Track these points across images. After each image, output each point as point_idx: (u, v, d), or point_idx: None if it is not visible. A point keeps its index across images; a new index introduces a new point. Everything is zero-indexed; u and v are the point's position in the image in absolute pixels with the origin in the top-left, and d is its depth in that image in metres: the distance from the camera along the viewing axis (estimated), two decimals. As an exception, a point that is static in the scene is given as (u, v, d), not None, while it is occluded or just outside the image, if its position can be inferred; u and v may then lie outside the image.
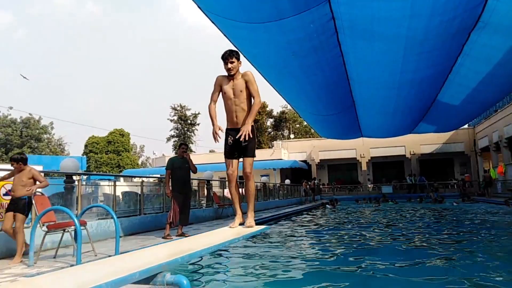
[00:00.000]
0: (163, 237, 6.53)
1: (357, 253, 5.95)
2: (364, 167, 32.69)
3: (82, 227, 4.62)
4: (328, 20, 5.29)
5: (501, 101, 19.58)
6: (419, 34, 5.48)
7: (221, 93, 3.55)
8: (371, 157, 32.18)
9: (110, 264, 1.91)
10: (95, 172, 36.14)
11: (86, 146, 50.48)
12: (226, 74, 3.50)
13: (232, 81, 3.44)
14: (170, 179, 6.87)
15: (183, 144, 7.39)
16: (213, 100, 3.55)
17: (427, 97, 8.41)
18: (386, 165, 33.24)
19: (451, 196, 23.16)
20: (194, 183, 12.44)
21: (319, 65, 6.79)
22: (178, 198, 6.74)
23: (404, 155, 31.46)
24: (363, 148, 31.49)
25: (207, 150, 56.45)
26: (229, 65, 3.37)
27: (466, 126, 26.46)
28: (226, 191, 15.42)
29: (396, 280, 4.16)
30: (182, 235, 6.73)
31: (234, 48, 4.43)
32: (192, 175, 7.30)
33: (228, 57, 3.39)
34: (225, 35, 6.24)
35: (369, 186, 30.84)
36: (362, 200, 22.68)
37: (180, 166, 6.96)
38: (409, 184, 29.28)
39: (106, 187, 9.61)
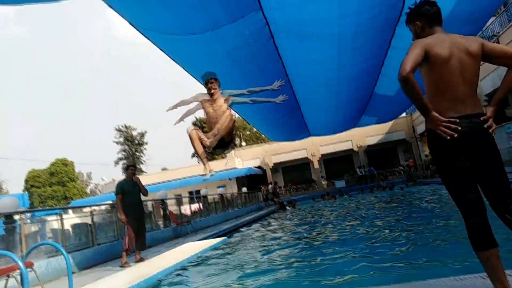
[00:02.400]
0: (120, 266, 6.20)
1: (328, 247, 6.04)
2: (316, 165, 33.61)
3: (28, 269, 4.25)
4: (263, 25, 5.39)
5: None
6: (349, 32, 5.74)
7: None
8: (322, 155, 33.18)
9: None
10: (38, 208, 33.72)
11: (26, 181, 47.12)
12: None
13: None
14: (121, 204, 6.57)
15: (131, 166, 7.11)
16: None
17: (365, 90, 8.84)
18: (336, 160, 34.41)
19: (399, 182, 24.46)
20: (149, 204, 12.02)
21: (260, 70, 6.89)
22: (132, 222, 6.47)
23: (352, 149, 32.80)
24: (313, 147, 32.41)
25: (159, 169, 55.03)
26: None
27: (404, 114, 28.18)
28: (183, 207, 15.06)
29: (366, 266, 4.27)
30: (141, 260, 6.44)
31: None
32: (144, 197, 7.05)
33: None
34: (162, 50, 6.13)
35: (323, 183, 31.74)
36: (319, 198, 23.23)
37: (130, 190, 6.69)
38: (360, 176, 30.54)
39: (53, 222, 8.99)
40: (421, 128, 28.73)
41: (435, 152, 2.07)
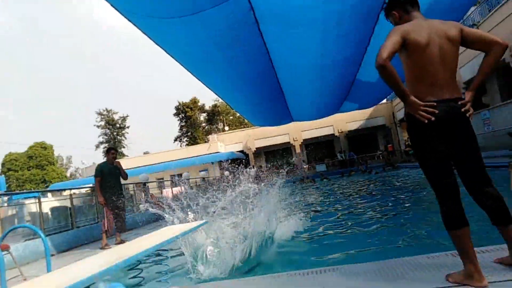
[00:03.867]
0: (101, 248, 6.22)
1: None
2: (298, 149, 33.92)
3: (5, 252, 4.22)
4: (248, 10, 5.33)
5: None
6: (333, 18, 5.74)
7: None
8: (303, 140, 33.47)
9: (38, 285, 1.77)
10: (16, 191, 33.03)
11: (3, 164, 45.91)
12: None
13: None
14: (100, 187, 6.53)
15: (112, 149, 7.03)
16: None
17: (348, 77, 8.90)
18: (318, 145, 34.80)
19: (378, 166, 24.97)
20: (130, 188, 11.95)
21: (244, 55, 6.84)
22: (111, 205, 6.45)
23: (333, 134, 33.18)
24: (295, 132, 32.65)
25: (140, 153, 54.46)
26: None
27: (384, 100, 28.61)
28: (165, 191, 15.04)
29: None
30: (122, 242, 6.47)
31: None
32: (125, 181, 7.01)
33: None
34: (144, 33, 5.99)
35: (305, 167, 32.12)
36: (298, 182, 23.53)
37: (110, 173, 6.64)
38: (340, 161, 31.02)
39: (32, 205, 8.85)
40: (400, 114, 29.24)
41: (414, 136, 2.11)
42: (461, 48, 2.19)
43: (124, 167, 7.10)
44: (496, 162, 9.52)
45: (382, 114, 32.37)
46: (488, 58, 2.05)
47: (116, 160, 6.94)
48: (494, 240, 2.52)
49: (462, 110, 2.02)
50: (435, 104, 2.00)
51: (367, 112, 30.62)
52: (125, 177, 6.95)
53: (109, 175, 6.62)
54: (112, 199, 6.47)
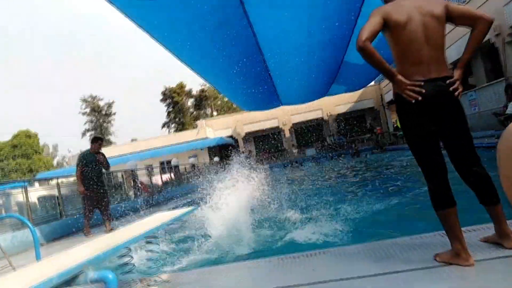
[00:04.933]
0: (84, 235, 6.38)
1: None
2: (287, 134, 34.00)
3: (-8, 243, 4.15)
4: (232, -10, 5.23)
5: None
6: (319, -1, 5.69)
7: None
8: (293, 124, 33.53)
9: (26, 273, 1.74)
10: (2, 181, 32.51)
11: (-14, 154, 44.98)
12: None
13: None
14: (81, 176, 6.47)
15: (98, 139, 6.93)
16: None
17: (335, 59, 8.87)
18: (307, 129, 34.92)
19: (368, 149, 25.22)
20: (119, 175, 11.86)
21: (229, 38, 6.73)
22: (92, 194, 6.45)
23: (322, 118, 33.30)
24: (285, 116, 32.65)
25: (128, 140, 53.92)
26: None
27: (372, 83, 28.70)
28: (154, 178, 14.96)
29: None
30: (112, 230, 6.48)
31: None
32: (114, 168, 6.95)
33: None
34: (127, 17, 5.83)
35: (294, 151, 32.26)
36: (290, 165, 23.71)
37: (92, 162, 6.59)
38: (330, 145, 31.24)
39: (18, 195, 8.72)
40: (389, 96, 29.41)
41: (402, 115, 2.10)
42: (447, 29, 2.17)
43: (111, 155, 7.04)
44: (484, 143, 9.67)
45: (371, 97, 32.53)
46: (474, 34, 2.04)
47: (101, 152, 6.86)
48: (482, 220, 2.56)
49: (451, 88, 2.01)
50: (422, 83, 1.99)
51: (355, 95, 30.72)
52: (108, 167, 6.92)
53: (91, 164, 6.59)
54: (93, 188, 6.44)
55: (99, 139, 6.89)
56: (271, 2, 5.67)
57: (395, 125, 26.11)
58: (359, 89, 17.34)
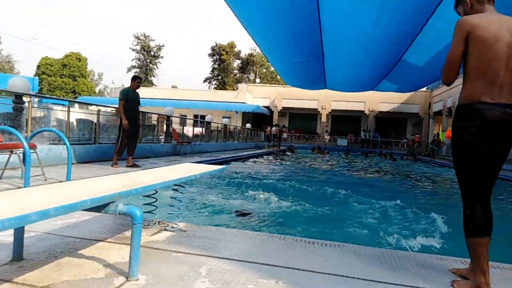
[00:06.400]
0: (111, 165, 6.74)
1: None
2: (324, 118, 33.49)
3: (31, 150, 4.41)
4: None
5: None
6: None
7: None
8: (332, 110, 32.91)
9: (61, 189, 1.84)
10: (47, 95, 34.13)
11: (38, 67, 47.13)
12: None
13: None
14: (124, 110, 6.75)
15: (138, 78, 7.15)
16: None
17: (394, 55, 8.49)
18: (345, 118, 34.22)
19: (400, 154, 24.54)
20: (154, 117, 12.17)
21: (293, 8, 6.56)
22: (128, 130, 6.75)
23: (363, 111, 32.46)
24: (325, 100, 32.04)
25: (169, 85, 54.87)
26: None
27: (424, 89, 27.44)
28: (186, 128, 15.25)
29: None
30: (134, 165, 6.83)
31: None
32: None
33: None
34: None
35: (326, 137, 31.84)
36: (317, 150, 23.50)
37: (132, 99, 6.90)
38: (363, 139, 30.56)
39: (59, 112, 9.14)
40: (437, 106, 28.12)
41: (462, 131, 1.96)
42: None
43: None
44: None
45: (418, 102, 31.27)
46: None
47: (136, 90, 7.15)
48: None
49: None
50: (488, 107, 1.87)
51: (403, 96, 29.53)
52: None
53: (132, 102, 6.90)
54: (130, 124, 6.70)
55: (137, 77, 7.12)
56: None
57: (436, 138, 25.04)
58: (409, 91, 16.66)
